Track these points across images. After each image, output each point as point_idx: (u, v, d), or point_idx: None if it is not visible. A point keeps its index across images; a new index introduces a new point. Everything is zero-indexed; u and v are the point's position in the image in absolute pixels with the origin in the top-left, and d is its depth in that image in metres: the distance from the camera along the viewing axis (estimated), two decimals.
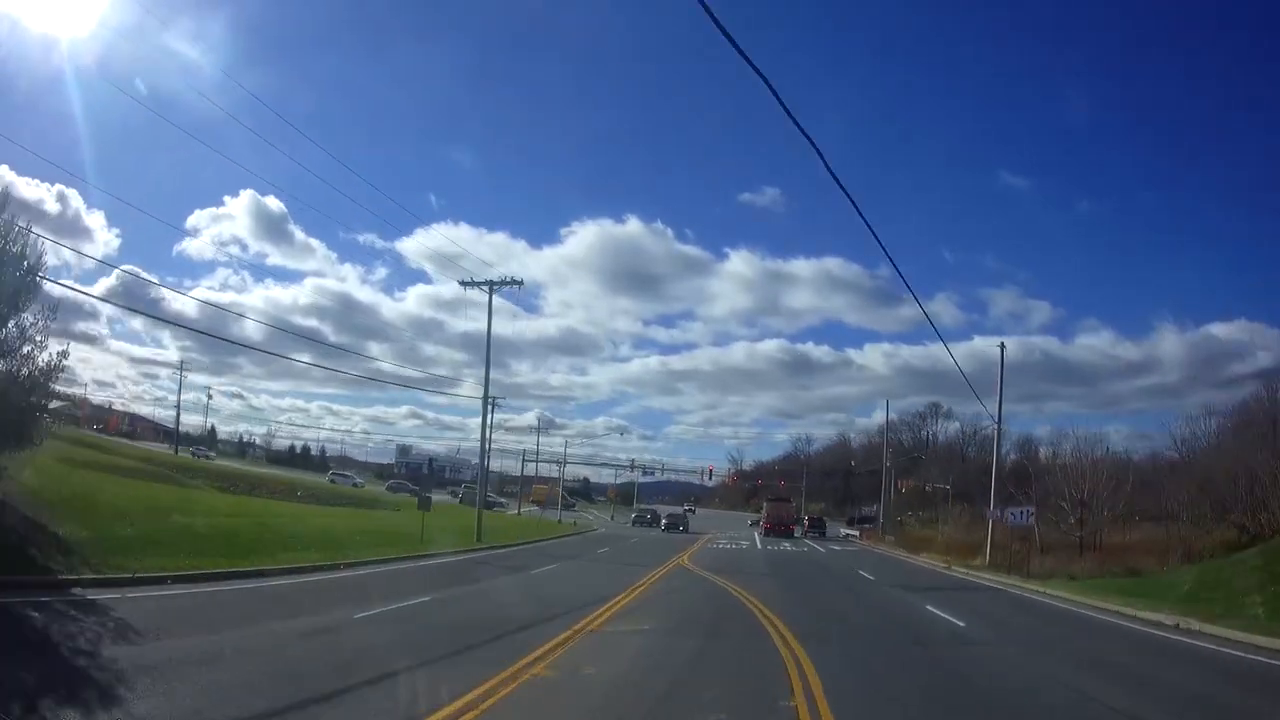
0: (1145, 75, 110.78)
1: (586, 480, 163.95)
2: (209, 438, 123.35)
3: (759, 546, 45.43)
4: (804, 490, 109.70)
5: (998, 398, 37.59)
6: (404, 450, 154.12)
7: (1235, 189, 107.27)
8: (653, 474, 76.25)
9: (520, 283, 37.80)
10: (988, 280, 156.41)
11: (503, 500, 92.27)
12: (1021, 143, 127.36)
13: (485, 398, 36.73)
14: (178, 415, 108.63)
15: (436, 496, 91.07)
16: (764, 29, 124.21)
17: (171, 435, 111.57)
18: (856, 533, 65.37)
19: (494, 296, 36.71)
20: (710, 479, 70.72)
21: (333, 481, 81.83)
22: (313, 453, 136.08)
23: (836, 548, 49.65)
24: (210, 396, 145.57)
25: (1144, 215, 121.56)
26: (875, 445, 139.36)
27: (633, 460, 75.57)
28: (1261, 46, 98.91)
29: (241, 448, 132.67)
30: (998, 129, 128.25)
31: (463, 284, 38.06)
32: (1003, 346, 38.28)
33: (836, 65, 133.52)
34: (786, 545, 48.45)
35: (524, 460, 78.44)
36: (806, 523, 66.47)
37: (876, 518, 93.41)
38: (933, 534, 54.39)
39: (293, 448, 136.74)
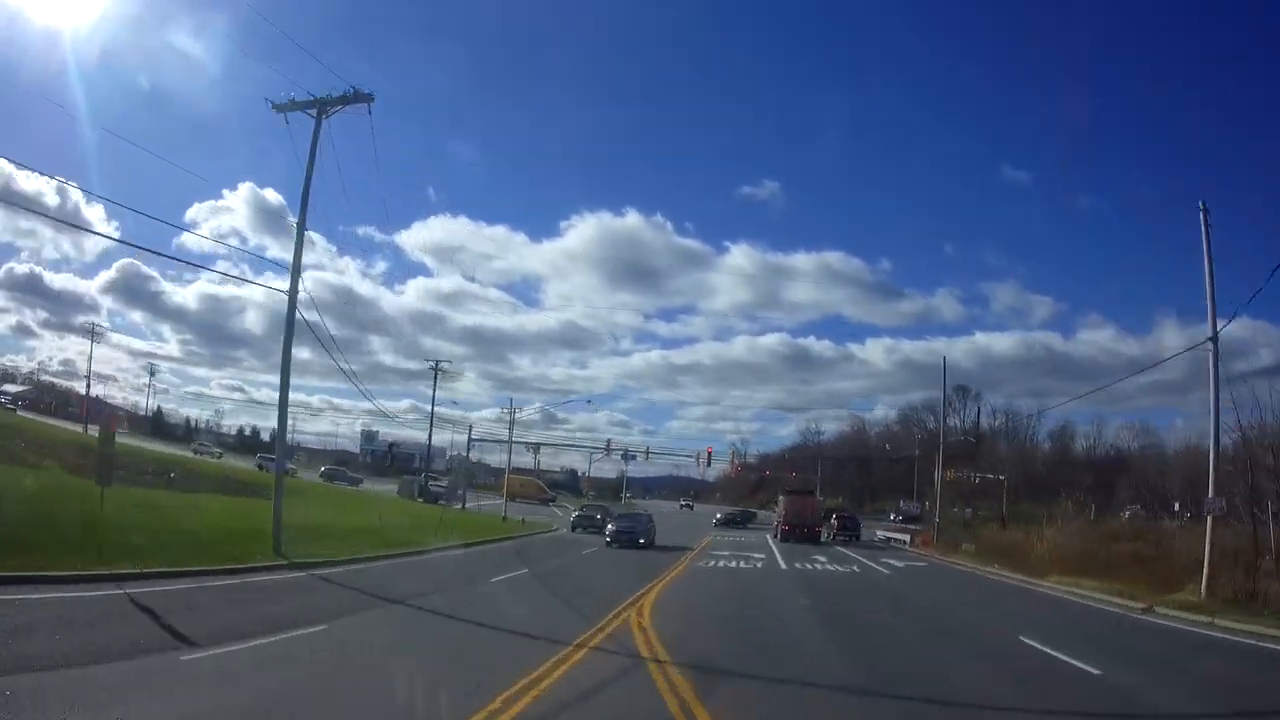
0: (1147, 70, 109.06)
1: (574, 472, 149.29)
2: (155, 420, 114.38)
3: (781, 564, 28.86)
4: (819, 482, 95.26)
5: (1208, 289, 21.00)
6: (369, 436, 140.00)
7: (1238, 186, 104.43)
8: (634, 458, 60.06)
9: (370, 97, 21.24)
10: (989, 275, 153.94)
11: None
12: (1023, 137, 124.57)
13: (294, 281, 20.09)
14: (87, 387, 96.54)
15: (380, 485, 75.54)
16: (770, 29, 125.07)
17: (148, 423, 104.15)
18: (905, 536, 48.82)
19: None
20: (709, 464, 54.35)
21: (260, 467, 65.66)
22: (263, 438, 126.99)
23: (897, 563, 32.96)
24: (153, 373, 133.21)
25: (1146, 210, 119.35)
26: (895, 434, 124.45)
27: (609, 441, 59.07)
28: (1265, 42, 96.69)
29: (189, 432, 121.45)
30: (999, 124, 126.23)
31: (278, 108, 21.44)
32: (1205, 209, 21.84)
33: (841, 61, 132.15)
34: (821, 559, 31.83)
35: (470, 439, 61.98)
36: (835, 523, 49.97)
37: (921, 515, 77.18)
38: (1020, 538, 38.12)
39: (241, 431, 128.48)
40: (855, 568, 29.18)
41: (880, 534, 55.32)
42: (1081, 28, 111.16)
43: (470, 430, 61.62)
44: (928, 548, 43.70)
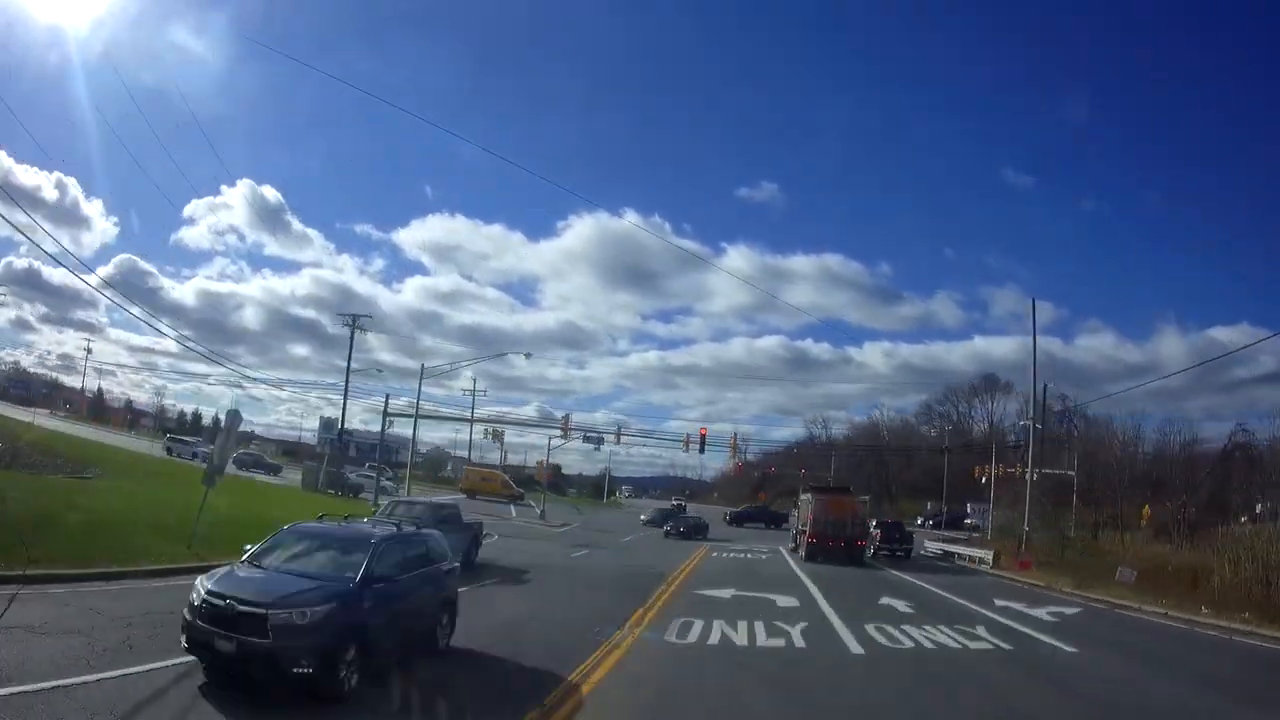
0: (1150, 73, 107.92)
1: (557, 467, 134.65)
2: (94, 403, 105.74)
3: (841, 631, 14.08)
4: (831, 481, 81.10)
5: None
6: (328, 425, 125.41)
7: (1240, 190, 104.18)
8: (600, 441, 45.07)
9: None
10: (989, 279, 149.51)
11: (386, 481, 62.55)
12: (1025, 141, 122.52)
13: None
14: None
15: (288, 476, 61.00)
16: (770, 28, 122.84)
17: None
18: (978, 552, 34.03)
19: None
20: (701, 450, 39.36)
21: (168, 451, 54.20)
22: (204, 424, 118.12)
23: (1039, 614, 18.15)
24: (90, 351, 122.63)
25: (1148, 215, 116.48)
26: (913, 427, 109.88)
27: (566, 417, 43.94)
28: (1265, 42, 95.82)
29: (133, 416, 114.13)
30: (1001, 127, 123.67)
31: None
32: None
33: (841, 62, 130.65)
34: (901, 608, 17.29)
35: (385, 412, 47.27)
36: (878, 533, 35.19)
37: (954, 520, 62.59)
38: (1190, 559, 23.91)
39: (182, 415, 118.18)
40: (984, 631, 14.50)
41: (930, 546, 40.65)
42: (1083, 28, 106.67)
43: (386, 401, 46.96)
44: (1027, 570, 29.10)
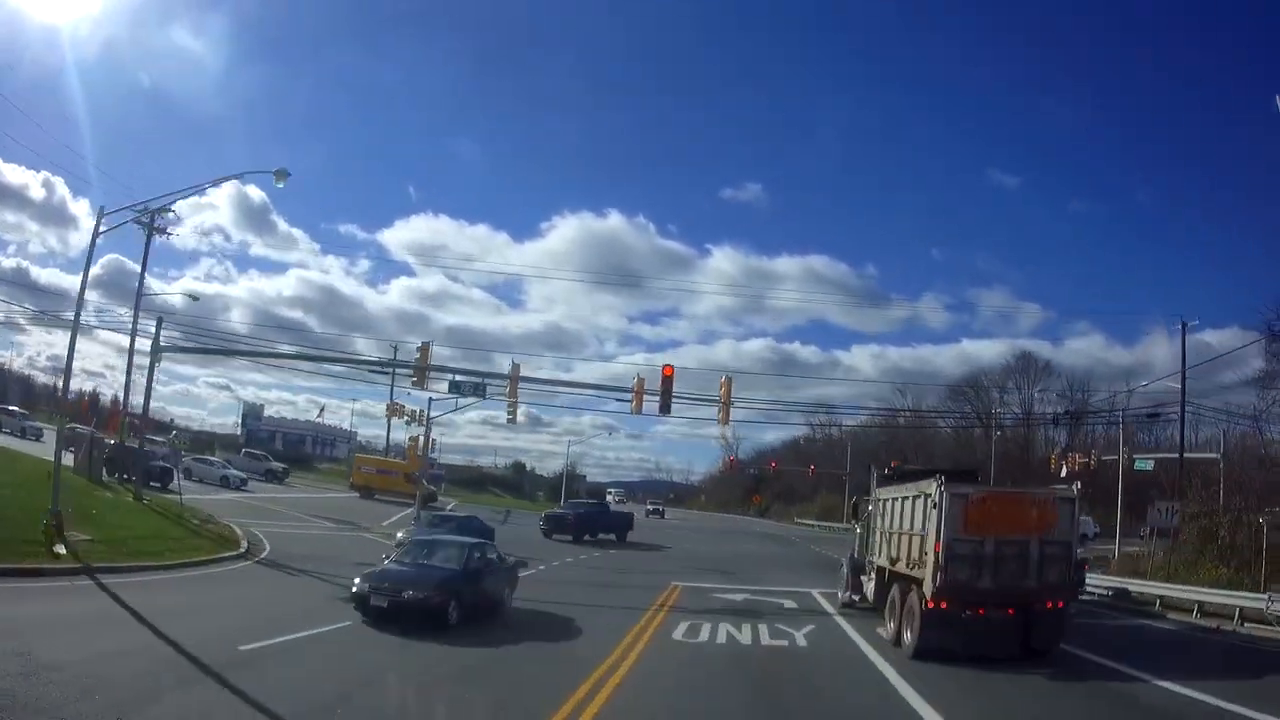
0: (1149, 73, 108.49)
1: (522, 466, 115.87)
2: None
3: None
4: (847, 482, 68.77)
5: None
6: (253, 414, 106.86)
7: (1236, 186, 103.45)
8: (476, 390, 25.72)
9: None
10: (977, 281, 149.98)
11: (231, 469, 44.50)
12: (1012, 141, 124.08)
13: None
14: None
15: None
16: (760, 28, 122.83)
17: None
18: (1263, 601, 15.60)
19: None
20: (667, 408, 20.60)
21: None
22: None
23: None
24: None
25: (1137, 217, 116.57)
26: (924, 418, 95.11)
27: (425, 345, 24.33)
28: (1265, 42, 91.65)
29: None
30: (988, 127, 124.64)
31: None
32: None
33: (838, 62, 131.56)
34: None
35: (158, 340, 28.47)
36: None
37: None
38: None
39: (81, 394, 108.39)
40: None
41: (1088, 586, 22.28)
42: (1074, 28, 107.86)
43: (159, 326, 28.35)
44: None
